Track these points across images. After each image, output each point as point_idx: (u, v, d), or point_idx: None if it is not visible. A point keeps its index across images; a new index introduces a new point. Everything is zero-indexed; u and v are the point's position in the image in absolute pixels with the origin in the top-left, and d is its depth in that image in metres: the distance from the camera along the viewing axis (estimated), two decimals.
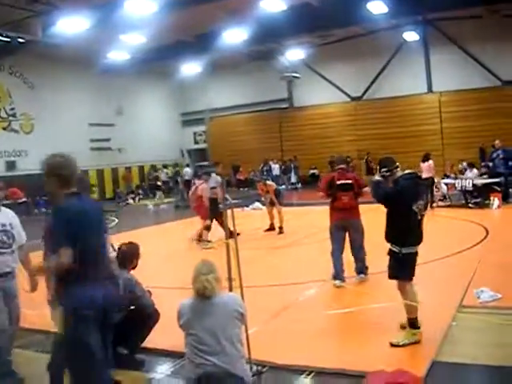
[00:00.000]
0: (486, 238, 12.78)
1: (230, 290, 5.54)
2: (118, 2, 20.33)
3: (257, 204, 19.47)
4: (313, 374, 5.76)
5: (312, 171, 34.83)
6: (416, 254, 6.41)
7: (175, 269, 11.56)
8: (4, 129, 28.60)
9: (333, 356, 6.18)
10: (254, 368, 5.70)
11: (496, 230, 13.54)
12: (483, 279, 8.50)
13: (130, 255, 6.36)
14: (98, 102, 33.27)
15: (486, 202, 18.20)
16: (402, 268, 6.35)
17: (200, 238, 14.55)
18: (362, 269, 9.24)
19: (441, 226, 16.44)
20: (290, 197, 25.45)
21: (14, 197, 24.16)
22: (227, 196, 6.25)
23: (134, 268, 6.41)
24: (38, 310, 6.74)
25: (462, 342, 6.26)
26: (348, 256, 9.78)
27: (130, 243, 6.42)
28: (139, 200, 32.49)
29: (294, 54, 32.69)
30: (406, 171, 6.67)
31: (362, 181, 9.68)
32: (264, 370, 5.85)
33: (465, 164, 22.42)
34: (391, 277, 6.47)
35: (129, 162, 35.48)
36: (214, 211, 14.18)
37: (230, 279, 5.67)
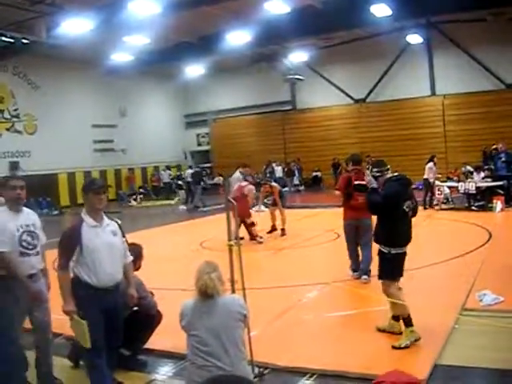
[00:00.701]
0: (488, 240, 12.77)
1: (233, 291, 5.54)
2: (121, 3, 20.33)
3: (261, 206, 19.47)
4: (315, 377, 5.77)
5: (315, 173, 34.82)
6: (404, 254, 6.58)
7: (178, 270, 11.56)
8: (7, 129, 28.62)
9: (335, 358, 6.17)
10: (256, 370, 5.70)
11: (499, 233, 13.53)
12: (486, 282, 8.49)
13: (133, 256, 6.37)
14: (101, 103, 33.31)
15: (489, 205, 18.19)
16: (390, 268, 6.54)
17: (253, 236, 14.67)
18: (366, 270, 9.32)
19: (444, 229, 16.46)
20: (293, 199, 25.47)
21: None
22: (230, 198, 6.27)
23: (137, 269, 6.40)
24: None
25: (464, 345, 6.26)
26: (345, 257, 9.83)
27: (133, 244, 6.41)
28: (141, 201, 32.46)
29: (298, 56, 32.67)
30: (395, 174, 6.92)
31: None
32: (266, 372, 5.86)
33: (468, 167, 22.41)
34: (381, 278, 6.65)
35: (131, 164, 35.50)
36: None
37: (232, 281, 5.67)
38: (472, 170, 21.44)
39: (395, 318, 6.69)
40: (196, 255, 12.72)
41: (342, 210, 10.00)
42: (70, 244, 5.23)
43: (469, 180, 19.71)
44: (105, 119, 33.41)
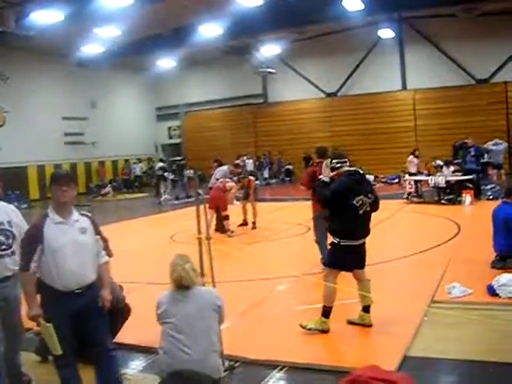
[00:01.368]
0: (458, 234, 12.90)
1: (203, 285, 5.52)
2: None
3: (233, 200, 19.45)
4: (285, 369, 5.78)
5: (287, 167, 34.85)
6: (357, 247, 6.64)
7: (148, 264, 11.50)
8: None
9: (305, 351, 6.19)
10: (226, 363, 5.69)
11: (468, 227, 13.66)
12: (455, 275, 8.58)
13: None
14: (72, 95, 32.92)
15: (459, 198, 18.37)
16: (336, 258, 6.67)
17: (224, 230, 14.85)
18: None
19: (414, 222, 16.63)
20: (264, 192, 25.48)
21: None
22: (200, 191, 6.23)
23: None
24: None
25: (434, 336, 6.32)
26: (315, 250, 9.85)
27: None
28: (113, 195, 32.22)
29: (270, 49, 32.62)
30: (351, 168, 6.97)
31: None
32: (236, 365, 5.87)
33: (438, 161, 22.61)
34: (325, 264, 6.93)
35: (102, 157, 35.20)
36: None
37: (201, 274, 5.65)
38: (442, 164, 21.62)
39: (365, 309, 6.75)
40: (166, 248, 12.67)
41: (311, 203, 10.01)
42: (30, 243, 4.77)
43: (439, 174, 19.87)
44: (75, 112, 33.03)
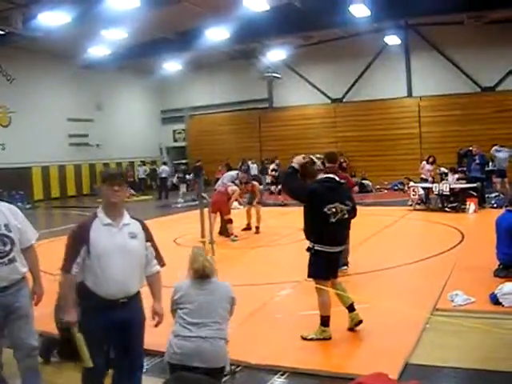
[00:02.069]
0: (461, 242, 12.87)
1: None
2: None
3: (234, 203, 19.42)
4: (287, 375, 5.78)
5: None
6: (332, 254, 6.61)
7: None
8: None
9: (306, 357, 6.19)
10: (228, 368, 5.68)
11: (471, 235, 13.63)
12: (457, 283, 8.56)
13: None
14: (77, 96, 32.99)
15: (463, 206, 18.34)
16: (315, 265, 6.65)
17: (227, 233, 14.87)
18: (345, 261, 9.46)
19: (417, 230, 16.61)
20: (268, 197, 25.46)
21: None
22: (204, 195, 6.25)
23: None
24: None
25: (435, 344, 6.31)
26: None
27: None
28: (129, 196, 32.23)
29: (276, 54, 32.61)
30: (325, 176, 6.85)
31: (352, 181, 9.92)
32: (238, 369, 5.87)
33: (443, 169, 22.60)
34: (309, 276, 6.79)
35: (107, 158, 35.20)
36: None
37: None
38: (446, 171, 21.60)
39: (349, 308, 6.80)
40: (169, 252, 12.64)
41: None
42: (75, 243, 4.46)
43: (443, 181, 19.84)
44: (80, 113, 33.09)
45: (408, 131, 31.95)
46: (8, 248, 4.76)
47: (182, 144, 40.46)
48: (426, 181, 20.70)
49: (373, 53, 32.23)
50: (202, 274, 4.92)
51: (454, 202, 18.75)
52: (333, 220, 6.45)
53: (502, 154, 21.74)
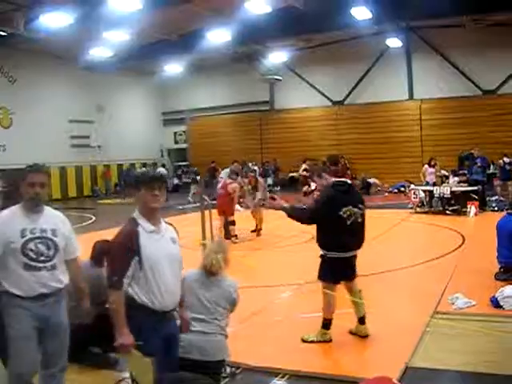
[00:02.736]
0: (462, 244, 12.87)
1: None
2: None
3: (236, 206, 19.48)
4: (287, 377, 5.77)
5: (291, 174, 34.77)
6: (345, 259, 6.54)
7: None
8: None
9: (306, 359, 6.19)
10: (228, 369, 5.69)
11: (472, 238, 13.64)
12: (458, 286, 8.57)
13: (103, 252, 6.27)
14: (78, 98, 32.98)
15: (463, 209, 18.34)
16: (326, 271, 6.58)
17: (229, 235, 14.77)
18: None
19: (418, 232, 16.61)
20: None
21: None
22: (205, 197, 6.25)
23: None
24: None
25: (436, 347, 6.30)
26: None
27: (105, 241, 6.33)
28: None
29: (277, 56, 32.62)
30: (337, 179, 6.82)
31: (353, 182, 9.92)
32: (238, 371, 5.86)
33: (444, 172, 22.61)
34: (319, 278, 6.72)
35: (108, 160, 35.23)
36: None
37: None
38: (447, 174, 21.61)
39: (360, 320, 6.75)
40: None
41: None
42: (123, 255, 4.08)
43: (444, 184, 19.85)
44: (82, 115, 33.07)
45: (409, 134, 31.92)
46: (51, 253, 4.45)
47: (183, 146, 40.45)
48: (430, 184, 20.66)
49: (374, 55, 32.23)
50: (208, 271, 5.12)
51: (454, 204, 18.75)
52: (348, 223, 6.42)
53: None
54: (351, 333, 6.79)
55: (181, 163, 39.68)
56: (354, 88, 33.73)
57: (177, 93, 38.51)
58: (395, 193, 27.98)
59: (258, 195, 15.90)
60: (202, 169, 33.66)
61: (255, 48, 31.79)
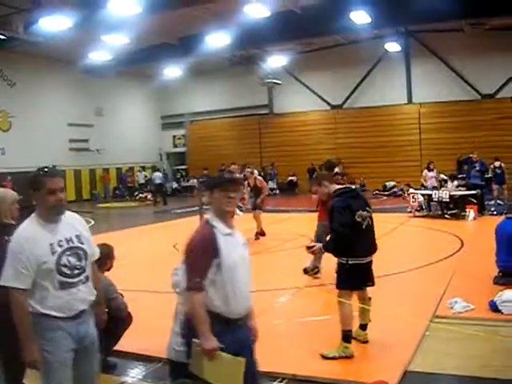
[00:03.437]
0: (460, 249, 12.88)
1: None
2: (101, 2, 20.19)
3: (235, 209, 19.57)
4: (285, 381, 5.77)
5: (290, 178, 34.83)
6: (364, 265, 6.44)
7: (150, 272, 11.51)
8: None
9: (305, 363, 6.17)
10: None
11: (471, 242, 13.64)
12: (457, 290, 8.57)
13: (104, 256, 6.24)
14: (78, 101, 33.02)
15: (462, 213, 18.34)
16: (346, 278, 6.41)
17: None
18: None
19: (417, 237, 16.61)
20: (269, 203, 25.45)
21: None
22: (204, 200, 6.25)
23: (108, 269, 6.35)
24: None
25: (435, 351, 6.29)
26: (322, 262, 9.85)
27: (105, 244, 6.32)
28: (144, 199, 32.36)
29: (276, 60, 32.67)
30: (341, 186, 6.82)
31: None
32: None
33: (442, 176, 22.62)
34: (338, 287, 6.51)
35: (107, 164, 35.25)
36: None
37: None
38: (446, 178, 21.63)
39: (362, 326, 6.70)
40: (168, 257, 12.65)
41: (316, 214, 10.00)
42: (205, 256, 3.95)
43: (442, 188, 19.86)
44: (81, 118, 33.10)
45: (408, 138, 31.96)
46: (83, 263, 4.06)
47: (182, 150, 40.50)
48: (432, 188, 20.62)
49: (373, 59, 32.28)
50: None
51: (453, 208, 18.76)
52: (364, 227, 6.40)
53: None
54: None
55: (179, 167, 39.73)
56: (352, 92, 33.79)
57: (176, 96, 38.57)
58: (394, 196, 27.99)
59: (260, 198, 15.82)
60: (200, 172, 33.74)
61: (254, 52, 31.85)
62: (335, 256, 6.51)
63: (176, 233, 17.10)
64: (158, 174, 30.80)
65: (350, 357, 6.23)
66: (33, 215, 4.05)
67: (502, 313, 7.39)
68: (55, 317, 3.89)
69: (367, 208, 6.59)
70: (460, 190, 19.08)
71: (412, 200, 19.97)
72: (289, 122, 35.66)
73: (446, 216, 18.68)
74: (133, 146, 36.33)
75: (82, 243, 4.08)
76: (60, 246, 3.93)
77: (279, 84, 33.20)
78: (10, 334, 4.00)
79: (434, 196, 19.25)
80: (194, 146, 39.26)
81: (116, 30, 24.11)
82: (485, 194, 20.51)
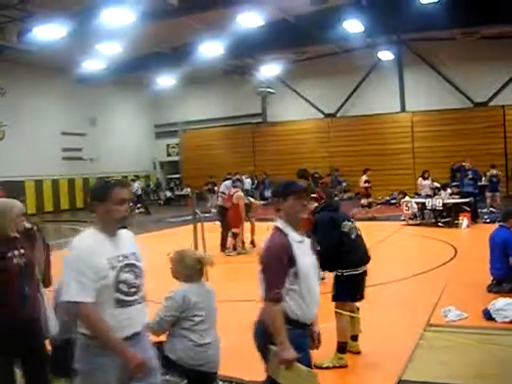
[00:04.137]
0: (454, 257, 12.88)
1: None
2: (94, 11, 20.18)
3: None
4: None
5: None
6: (358, 276, 6.42)
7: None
8: None
9: None
10: None
11: (464, 250, 13.66)
12: (451, 298, 8.57)
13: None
14: (71, 110, 32.99)
15: (455, 221, 18.36)
16: (342, 290, 6.42)
17: (223, 247, 14.98)
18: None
19: (410, 245, 16.59)
20: (265, 212, 25.41)
21: None
22: (197, 210, 6.25)
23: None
24: None
25: (429, 360, 6.29)
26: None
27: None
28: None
29: (270, 69, 32.75)
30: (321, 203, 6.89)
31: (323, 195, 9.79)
32: None
33: (435, 184, 22.66)
34: (333, 299, 6.51)
35: (100, 173, 35.06)
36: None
37: None
38: (439, 186, 21.66)
39: (353, 337, 6.66)
40: (162, 266, 12.60)
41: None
42: (281, 265, 3.90)
43: (436, 196, 19.89)
44: (74, 127, 33.06)
45: (401, 146, 32.06)
46: (139, 282, 3.86)
47: (176, 158, 40.48)
48: (426, 196, 20.65)
49: (366, 68, 32.40)
50: (201, 268, 4.93)
51: (447, 216, 18.79)
52: (353, 236, 6.43)
53: None
54: None
55: (173, 176, 39.70)
56: (346, 100, 33.88)
57: (169, 105, 38.58)
58: (388, 205, 27.99)
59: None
60: (194, 181, 33.66)
61: (248, 61, 31.93)
62: (330, 271, 6.53)
63: (170, 242, 17.09)
64: (136, 185, 30.13)
65: (344, 367, 6.24)
66: (91, 227, 3.91)
67: (496, 321, 7.40)
68: None
69: (350, 219, 6.66)
70: (453, 198, 19.11)
71: (405, 208, 19.99)
72: (282, 131, 35.70)
73: (440, 224, 18.70)
74: (126, 155, 36.31)
75: (138, 261, 3.90)
76: (119, 261, 3.73)
77: (273, 93, 33.27)
78: None
79: (427, 204, 19.28)
80: (188, 154, 39.25)
81: (109, 38, 24.12)
82: (478, 202, 20.54)
